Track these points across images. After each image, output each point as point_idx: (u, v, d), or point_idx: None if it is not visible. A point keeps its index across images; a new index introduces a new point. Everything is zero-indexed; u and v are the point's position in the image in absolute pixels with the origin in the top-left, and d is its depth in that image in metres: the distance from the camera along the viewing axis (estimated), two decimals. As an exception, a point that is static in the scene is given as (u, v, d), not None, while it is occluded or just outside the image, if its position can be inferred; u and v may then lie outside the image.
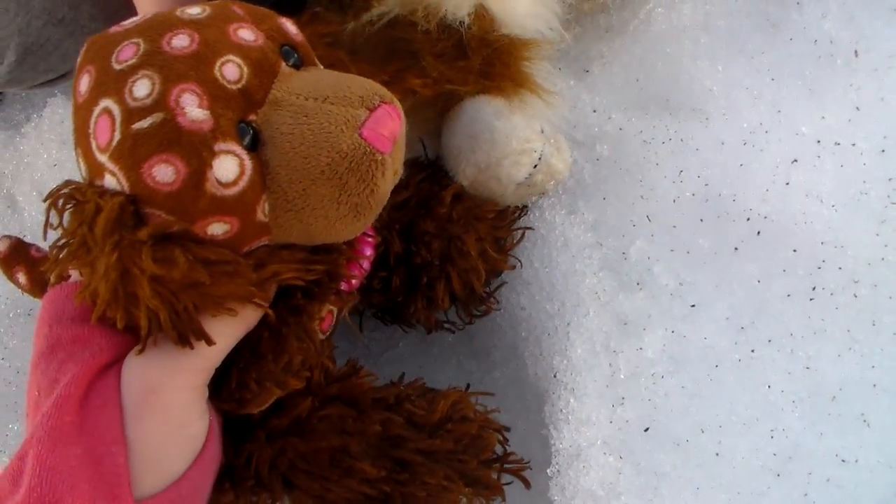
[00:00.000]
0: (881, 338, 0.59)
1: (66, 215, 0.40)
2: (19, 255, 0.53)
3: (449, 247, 0.58)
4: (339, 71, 0.45)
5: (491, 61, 0.59)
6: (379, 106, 0.41)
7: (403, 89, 0.54)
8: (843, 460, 0.56)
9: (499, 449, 0.55)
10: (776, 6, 0.70)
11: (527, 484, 0.55)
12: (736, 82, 0.67)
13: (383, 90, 0.42)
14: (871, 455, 0.56)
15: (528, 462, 0.56)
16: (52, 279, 0.45)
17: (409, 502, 0.51)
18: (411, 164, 0.62)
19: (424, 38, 0.58)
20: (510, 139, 0.58)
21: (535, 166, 0.60)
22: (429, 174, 0.61)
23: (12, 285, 0.54)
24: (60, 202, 0.40)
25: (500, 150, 0.58)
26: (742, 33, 0.69)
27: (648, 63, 0.69)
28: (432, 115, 0.62)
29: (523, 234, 0.63)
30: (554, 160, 0.61)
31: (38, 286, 0.52)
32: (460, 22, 0.57)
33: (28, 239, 0.54)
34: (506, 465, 0.55)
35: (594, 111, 0.68)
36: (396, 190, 0.59)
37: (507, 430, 0.56)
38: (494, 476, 0.54)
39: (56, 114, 0.82)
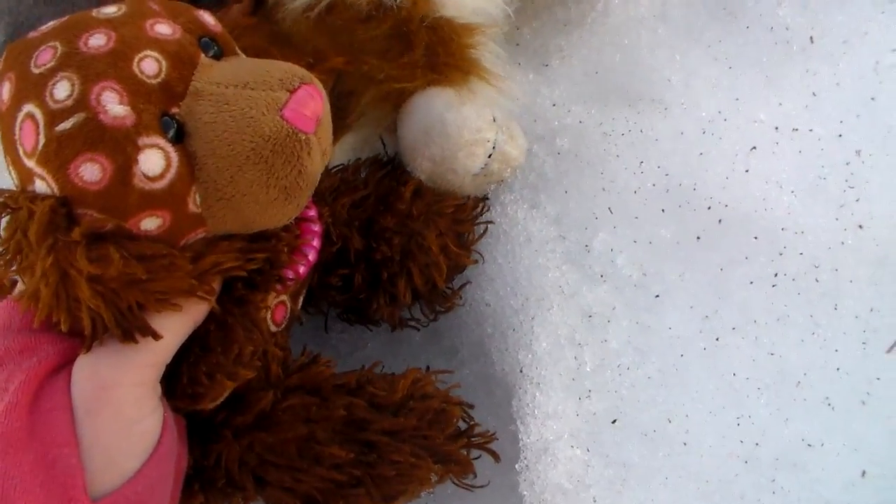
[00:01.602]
0: (843, 322, 0.59)
1: (3, 223, 0.40)
2: None
3: (409, 242, 0.58)
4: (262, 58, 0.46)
5: (435, 51, 0.59)
6: (299, 87, 0.41)
7: (327, 69, 0.54)
8: (808, 444, 0.56)
9: (464, 426, 0.55)
10: (732, -6, 0.70)
11: (496, 457, 0.55)
12: (694, 71, 0.67)
13: (303, 72, 0.42)
14: (836, 438, 0.56)
15: (494, 433, 0.55)
16: None
17: (379, 483, 0.51)
18: (371, 162, 0.62)
19: (364, 26, 0.58)
20: (462, 131, 0.58)
21: (490, 155, 0.60)
22: (388, 171, 0.61)
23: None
24: None
25: (454, 143, 0.58)
26: (699, 22, 0.69)
27: (607, 55, 0.69)
28: (388, 110, 0.62)
29: (485, 229, 0.63)
30: (508, 147, 0.60)
31: None
32: (396, 3, 0.57)
33: None
34: (472, 439, 0.54)
35: (554, 105, 0.68)
36: (354, 188, 0.59)
37: (471, 406, 0.56)
38: (462, 451, 0.54)
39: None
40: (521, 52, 0.69)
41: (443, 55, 0.58)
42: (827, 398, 0.57)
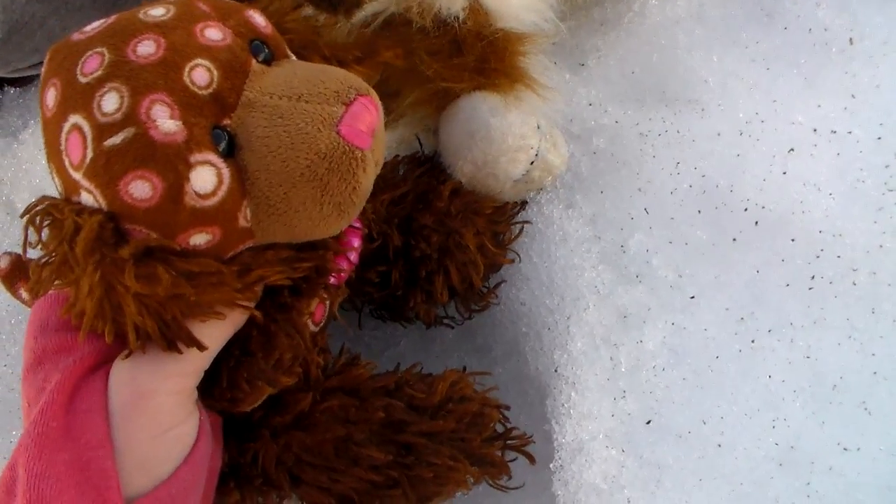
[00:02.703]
0: (880, 325, 0.58)
1: (45, 231, 0.39)
2: (21, 271, 0.52)
3: (447, 240, 0.59)
4: (310, 53, 0.44)
5: (486, 57, 0.59)
6: (355, 100, 0.39)
7: (376, 63, 0.53)
8: (844, 449, 0.56)
9: (500, 428, 0.55)
10: (770, -5, 0.70)
11: (531, 459, 0.55)
12: (731, 72, 0.67)
13: (359, 81, 0.41)
14: (872, 443, 0.56)
15: (531, 436, 0.56)
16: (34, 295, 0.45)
17: (416, 485, 0.51)
18: (409, 160, 0.63)
19: (420, 36, 0.58)
20: (506, 136, 0.58)
21: (532, 163, 0.60)
22: (427, 169, 0.62)
23: (12, 292, 0.54)
24: (38, 219, 0.39)
25: (497, 148, 0.59)
26: (736, 23, 0.69)
27: (643, 55, 0.69)
28: (429, 112, 0.62)
29: (522, 229, 0.63)
30: (550, 156, 0.61)
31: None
32: (455, 17, 0.57)
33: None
34: (508, 442, 0.55)
35: (590, 104, 0.68)
36: (394, 185, 0.60)
37: (507, 408, 0.56)
38: (498, 454, 0.54)
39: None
40: (558, 51, 0.69)
41: (493, 62, 0.59)
42: (863, 402, 0.57)
